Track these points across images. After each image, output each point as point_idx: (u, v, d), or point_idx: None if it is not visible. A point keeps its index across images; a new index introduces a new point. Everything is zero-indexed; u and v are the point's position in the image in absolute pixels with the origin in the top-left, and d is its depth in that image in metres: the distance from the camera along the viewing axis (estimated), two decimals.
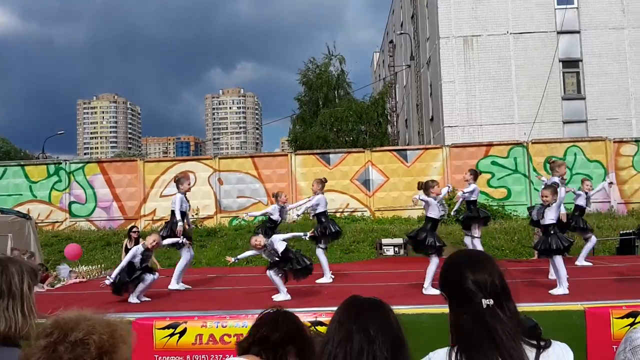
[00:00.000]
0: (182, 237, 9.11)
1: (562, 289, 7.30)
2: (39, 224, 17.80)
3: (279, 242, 7.77)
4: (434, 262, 7.86)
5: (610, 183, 11.80)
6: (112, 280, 7.90)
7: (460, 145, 20.71)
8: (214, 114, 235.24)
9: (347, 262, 14.58)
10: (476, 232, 9.87)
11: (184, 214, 9.31)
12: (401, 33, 36.15)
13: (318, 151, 21.98)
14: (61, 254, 14.47)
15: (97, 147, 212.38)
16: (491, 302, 1.92)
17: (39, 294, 7.90)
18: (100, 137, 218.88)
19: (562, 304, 6.44)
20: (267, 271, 7.87)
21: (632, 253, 13.35)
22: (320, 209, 9.70)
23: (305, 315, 5.97)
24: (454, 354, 1.94)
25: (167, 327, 6.14)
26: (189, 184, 9.77)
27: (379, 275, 10.58)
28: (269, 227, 9.76)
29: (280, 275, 7.79)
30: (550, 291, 7.33)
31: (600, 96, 24.40)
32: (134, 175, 20.51)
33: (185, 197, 9.44)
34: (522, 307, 2.04)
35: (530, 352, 1.92)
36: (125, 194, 20.47)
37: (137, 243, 10.80)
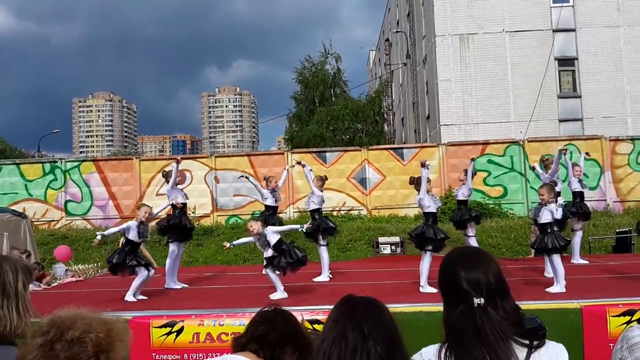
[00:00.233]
0: (173, 202, 9.07)
1: (559, 287, 7.31)
2: (34, 223, 17.74)
3: (272, 233, 7.76)
4: (426, 259, 7.90)
5: (587, 153, 11.89)
6: (103, 235, 8.00)
7: (457, 144, 20.74)
8: (210, 112, 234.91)
9: (343, 260, 14.60)
10: (470, 231, 9.90)
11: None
12: (397, 31, 36.17)
13: (314, 149, 21.98)
14: None
15: (93, 146, 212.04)
16: (482, 301, 1.92)
17: (35, 293, 7.89)
18: (96, 136, 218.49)
19: (558, 302, 6.45)
20: (264, 269, 7.86)
21: (629, 251, 13.41)
22: (314, 206, 9.70)
23: (302, 314, 5.97)
24: (443, 351, 1.96)
25: (164, 326, 6.13)
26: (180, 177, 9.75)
27: (375, 273, 10.58)
28: (268, 214, 9.80)
29: (277, 273, 7.77)
30: (547, 289, 7.35)
31: (596, 94, 24.46)
32: (130, 174, 20.47)
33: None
34: (519, 305, 2.04)
35: (521, 352, 1.92)
36: (121, 192, 20.42)
37: None
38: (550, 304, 6.33)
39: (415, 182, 8.26)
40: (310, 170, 10.27)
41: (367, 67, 59.86)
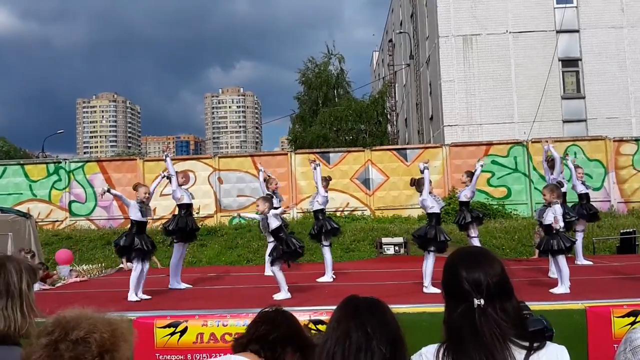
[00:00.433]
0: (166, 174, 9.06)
1: (563, 288, 7.29)
2: (39, 223, 17.80)
3: (274, 218, 7.79)
4: (430, 260, 7.89)
5: (575, 158, 11.92)
6: (110, 190, 8.30)
7: (460, 145, 20.71)
8: (213, 113, 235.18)
9: (347, 261, 14.59)
10: (473, 232, 9.88)
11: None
12: (400, 32, 36.15)
13: (318, 150, 21.99)
14: None
15: (97, 146, 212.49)
16: (482, 301, 1.92)
17: (39, 293, 7.89)
18: (100, 136, 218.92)
19: (563, 302, 6.43)
20: (267, 270, 7.89)
21: (633, 252, 13.35)
22: (318, 206, 9.69)
23: (305, 314, 5.97)
24: (441, 351, 1.96)
25: (168, 326, 6.13)
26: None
27: (379, 274, 10.57)
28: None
29: (280, 266, 7.79)
30: (551, 290, 7.33)
31: (599, 95, 24.41)
32: (133, 174, 20.50)
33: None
34: (529, 305, 2.03)
35: (520, 354, 1.91)
36: (125, 193, 20.02)
37: None
38: (554, 304, 6.31)
39: (417, 184, 8.25)
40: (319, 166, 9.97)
41: (370, 68, 59.84)
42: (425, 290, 7.74)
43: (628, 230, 14.54)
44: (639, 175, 19.72)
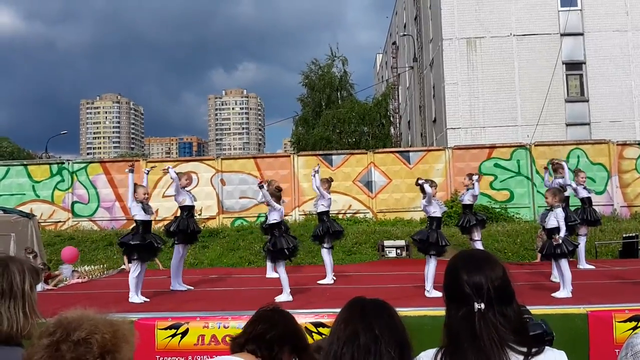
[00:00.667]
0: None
1: (565, 292, 7.29)
2: (41, 224, 17.82)
3: (275, 212, 7.84)
4: (432, 264, 7.89)
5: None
6: (132, 170, 8.61)
7: (463, 147, 20.68)
8: (216, 114, 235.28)
9: (349, 263, 14.58)
10: (476, 235, 9.88)
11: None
12: (404, 35, 36.16)
13: (320, 152, 21.98)
14: None
15: (100, 147, 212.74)
16: (482, 305, 1.91)
17: (41, 293, 7.90)
18: (103, 137, 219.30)
19: (564, 307, 6.43)
20: (277, 269, 7.95)
21: (635, 256, 13.32)
22: (323, 208, 9.70)
23: (307, 317, 5.97)
24: (439, 356, 1.95)
25: (169, 328, 6.14)
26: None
27: (381, 277, 10.57)
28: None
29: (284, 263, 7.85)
30: (553, 294, 7.32)
31: (603, 98, 24.35)
32: (136, 176, 20.48)
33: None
34: (529, 309, 2.02)
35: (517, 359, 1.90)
36: (127, 194, 20.44)
37: None
38: (556, 309, 6.30)
39: (421, 189, 8.23)
40: (317, 173, 10.03)
41: (373, 70, 59.89)
42: (427, 294, 7.74)
43: (631, 234, 14.50)
44: None
